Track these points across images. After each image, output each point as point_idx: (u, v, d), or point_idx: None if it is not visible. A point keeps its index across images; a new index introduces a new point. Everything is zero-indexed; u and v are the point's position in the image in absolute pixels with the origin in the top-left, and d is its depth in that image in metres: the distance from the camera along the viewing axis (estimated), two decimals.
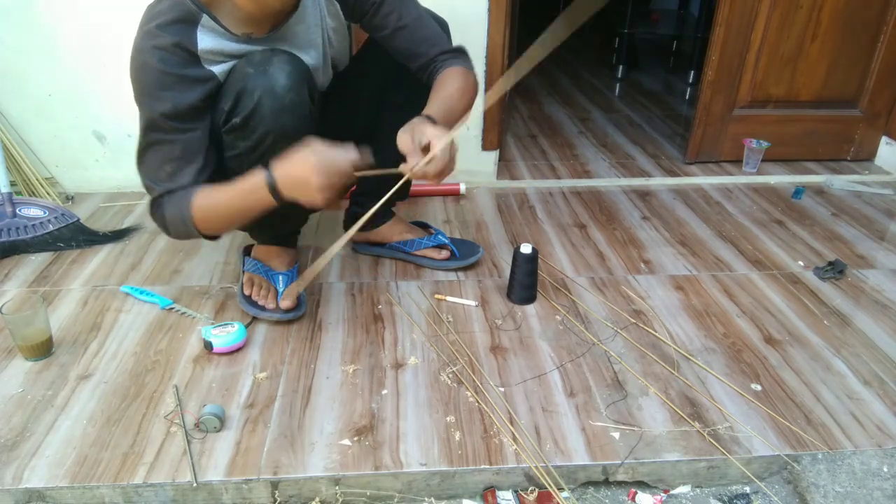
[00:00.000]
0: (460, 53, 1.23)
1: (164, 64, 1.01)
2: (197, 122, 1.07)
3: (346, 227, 1.57)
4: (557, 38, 0.88)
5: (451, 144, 1.03)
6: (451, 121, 1.12)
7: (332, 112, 1.33)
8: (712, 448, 1.00)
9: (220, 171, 1.23)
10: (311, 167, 0.96)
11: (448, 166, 1.04)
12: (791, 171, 2.16)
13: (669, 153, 2.33)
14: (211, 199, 1.05)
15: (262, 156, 1.07)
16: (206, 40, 1.04)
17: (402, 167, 1.04)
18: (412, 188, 1.54)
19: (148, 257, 1.53)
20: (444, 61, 1.20)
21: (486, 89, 1.91)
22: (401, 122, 1.05)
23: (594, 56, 4.06)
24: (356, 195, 1.50)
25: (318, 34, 1.18)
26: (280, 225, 1.32)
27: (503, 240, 1.65)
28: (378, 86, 1.33)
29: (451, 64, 1.20)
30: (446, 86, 1.16)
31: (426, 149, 1.03)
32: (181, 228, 1.08)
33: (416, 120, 1.07)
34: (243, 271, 1.36)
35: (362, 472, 0.95)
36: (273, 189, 0.99)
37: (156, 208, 1.10)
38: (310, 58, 1.16)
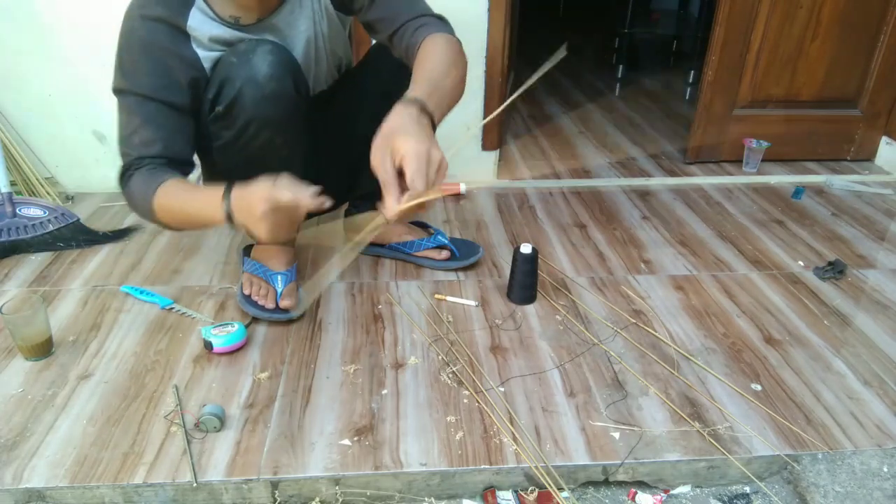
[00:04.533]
0: (440, 20, 1.11)
1: (153, 35, 1.01)
2: (176, 99, 1.05)
3: (347, 229, 1.57)
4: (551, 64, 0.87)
5: (429, 156, 0.86)
6: (442, 104, 0.98)
7: (335, 113, 1.33)
8: (712, 448, 1.00)
9: (209, 164, 1.23)
10: (260, 198, 0.88)
11: (431, 184, 0.87)
12: (791, 171, 2.16)
13: (669, 153, 2.33)
14: (171, 198, 1.01)
15: (247, 146, 1.07)
16: (196, 20, 1.04)
17: (382, 210, 0.89)
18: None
19: (148, 257, 1.53)
20: (421, 26, 1.08)
21: (486, 91, 1.91)
22: None
23: (594, 56, 4.06)
24: (355, 196, 1.50)
25: (311, 27, 1.17)
26: None
27: (503, 240, 1.65)
28: (382, 91, 1.32)
29: (429, 31, 1.07)
30: (430, 58, 1.03)
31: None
32: (143, 211, 1.05)
33: (391, 120, 0.89)
34: (242, 271, 1.36)
35: (362, 472, 0.95)
36: (227, 210, 0.93)
37: (125, 180, 1.06)
38: (299, 50, 1.16)
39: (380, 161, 0.86)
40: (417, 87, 0.96)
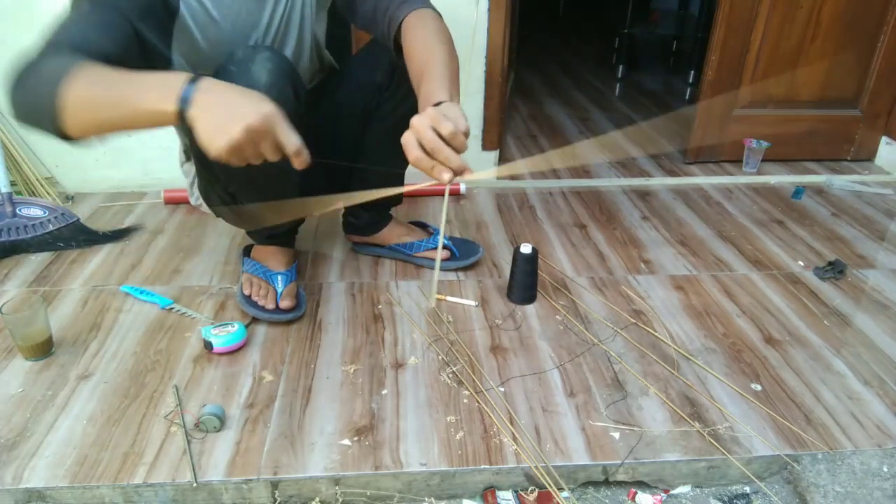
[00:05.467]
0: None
1: None
2: (148, 33, 0.96)
3: (346, 230, 1.56)
4: None
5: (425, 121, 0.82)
6: (456, 84, 0.96)
7: (323, 115, 1.32)
8: (712, 448, 1.00)
9: (205, 172, 1.22)
10: (253, 110, 0.75)
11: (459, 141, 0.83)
12: (791, 171, 2.16)
13: (669, 153, 2.33)
14: (97, 74, 0.80)
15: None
16: None
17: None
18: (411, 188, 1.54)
19: (148, 257, 1.53)
20: (399, 6, 1.06)
21: (486, 91, 1.91)
22: (389, 130, 1.00)
23: (594, 56, 4.06)
24: (350, 205, 1.50)
25: (299, 17, 1.17)
26: (272, 223, 1.31)
27: (503, 240, 1.65)
28: (368, 100, 1.31)
29: (413, 6, 1.06)
30: (423, 46, 1.00)
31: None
32: (41, 94, 0.80)
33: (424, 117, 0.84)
34: (242, 272, 1.36)
35: (362, 472, 0.95)
36: (187, 97, 0.75)
37: (30, 64, 0.83)
38: (294, 40, 1.16)
39: (418, 153, 0.82)
40: (437, 81, 0.92)
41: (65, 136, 0.85)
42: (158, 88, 0.77)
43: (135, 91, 0.78)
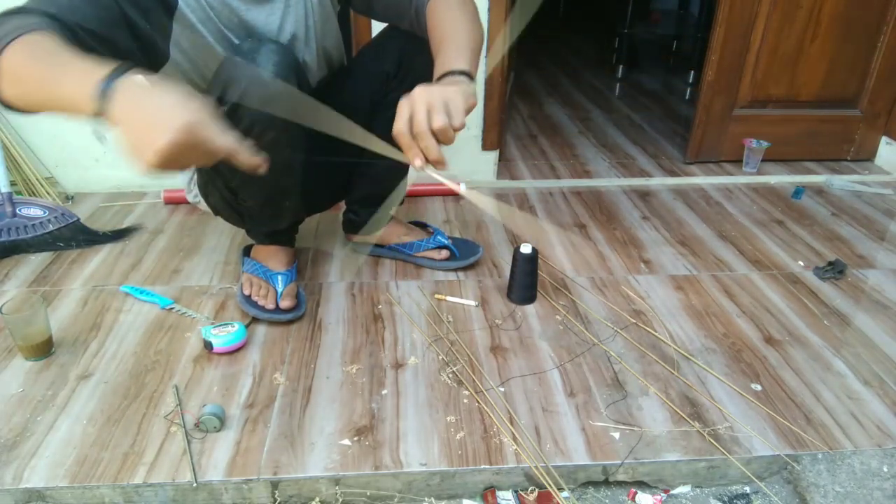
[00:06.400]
0: None
1: None
2: (135, 16, 0.93)
3: (346, 229, 1.57)
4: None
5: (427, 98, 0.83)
6: (475, 59, 0.98)
7: (328, 105, 1.32)
8: (712, 448, 1.00)
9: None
10: (175, 122, 0.65)
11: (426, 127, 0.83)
12: (791, 171, 2.16)
13: (669, 153, 2.33)
14: (35, 48, 0.74)
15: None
16: None
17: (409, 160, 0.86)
18: (411, 188, 1.54)
19: (148, 257, 1.53)
20: None
21: (486, 91, 1.91)
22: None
23: (594, 56, 4.06)
24: (351, 201, 1.50)
25: (302, 7, 1.18)
26: (273, 221, 1.31)
27: (503, 240, 1.65)
28: (375, 90, 1.31)
29: None
30: (446, 18, 1.02)
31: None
32: None
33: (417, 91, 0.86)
34: (242, 272, 1.36)
35: (362, 472, 0.95)
36: (102, 101, 0.67)
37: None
38: (287, 31, 1.16)
39: (399, 116, 0.84)
40: (457, 58, 0.94)
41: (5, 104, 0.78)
42: (79, 78, 0.68)
43: (60, 74, 0.71)
